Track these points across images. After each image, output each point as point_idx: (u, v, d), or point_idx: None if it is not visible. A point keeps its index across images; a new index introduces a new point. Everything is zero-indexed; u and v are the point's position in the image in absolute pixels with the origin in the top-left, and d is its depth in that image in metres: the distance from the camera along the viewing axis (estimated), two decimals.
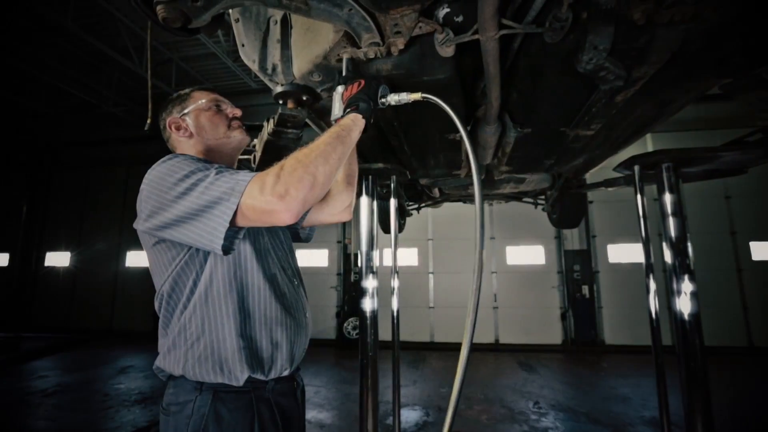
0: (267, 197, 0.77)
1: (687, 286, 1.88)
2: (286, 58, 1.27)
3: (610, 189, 2.60)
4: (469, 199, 3.98)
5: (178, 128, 1.03)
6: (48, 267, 10.60)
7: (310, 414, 4.13)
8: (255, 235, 0.99)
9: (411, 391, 4.92)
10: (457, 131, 1.87)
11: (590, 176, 3.13)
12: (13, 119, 10.54)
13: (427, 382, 5.40)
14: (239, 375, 0.88)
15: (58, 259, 10.59)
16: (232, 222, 0.79)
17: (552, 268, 8.05)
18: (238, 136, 1.07)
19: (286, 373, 0.97)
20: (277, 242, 1.07)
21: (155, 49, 7.16)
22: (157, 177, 0.86)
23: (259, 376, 0.90)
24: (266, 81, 1.34)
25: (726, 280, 7.37)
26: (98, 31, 6.36)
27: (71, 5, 5.76)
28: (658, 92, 1.45)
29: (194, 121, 1.03)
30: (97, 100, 8.59)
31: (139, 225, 0.89)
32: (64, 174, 11.00)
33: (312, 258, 8.92)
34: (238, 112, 1.09)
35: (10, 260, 10.82)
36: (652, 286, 2.07)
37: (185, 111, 1.04)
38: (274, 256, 1.02)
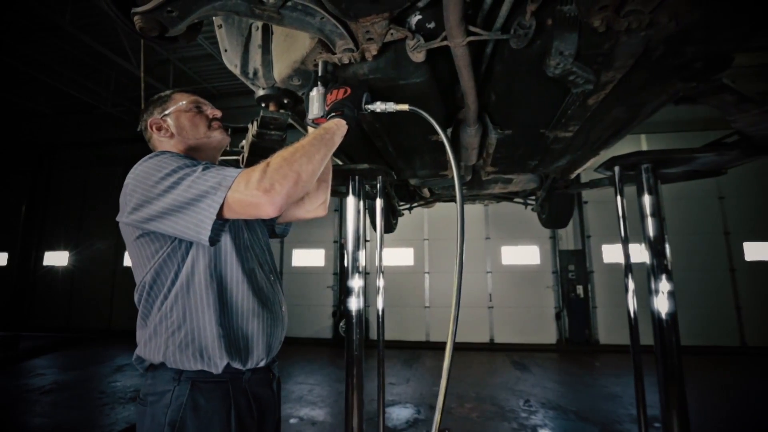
0: (252, 191, 0.82)
1: (664, 285, 1.94)
2: (267, 62, 1.32)
3: (605, 190, 2.65)
4: None
5: (159, 129, 1.07)
6: (47, 266, 10.65)
7: (303, 411, 4.18)
8: (236, 231, 1.03)
9: (404, 390, 4.97)
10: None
11: (587, 176, 3.16)
12: (12, 119, 10.60)
13: (420, 381, 5.45)
14: (218, 362, 0.92)
15: (56, 258, 10.63)
16: (219, 214, 0.84)
17: (547, 268, 8.10)
18: (218, 136, 1.12)
19: (262, 363, 1.01)
20: (256, 239, 1.11)
21: (153, 50, 7.21)
22: (143, 172, 0.90)
23: (237, 365, 0.94)
24: (249, 84, 1.39)
25: (719, 280, 7.42)
26: (96, 33, 6.41)
27: (69, 7, 5.82)
28: (628, 95, 1.50)
29: (175, 121, 1.07)
30: (95, 101, 8.64)
31: (123, 218, 0.92)
32: (63, 174, 11.05)
33: (309, 258, 8.97)
34: (218, 113, 1.14)
35: (9, 260, 10.87)
36: (631, 285, 2.12)
37: (166, 112, 1.08)
38: (253, 252, 1.07)
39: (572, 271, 7.87)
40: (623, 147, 2.51)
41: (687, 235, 7.64)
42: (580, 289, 7.73)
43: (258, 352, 0.99)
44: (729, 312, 7.30)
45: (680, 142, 7.79)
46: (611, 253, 7.91)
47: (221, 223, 0.87)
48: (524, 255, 8.22)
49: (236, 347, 0.95)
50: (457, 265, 0.93)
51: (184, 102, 1.09)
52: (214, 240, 0.86)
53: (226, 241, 0.99)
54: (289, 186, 0.84)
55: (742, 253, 7.48)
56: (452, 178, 2.74)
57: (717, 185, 7.58)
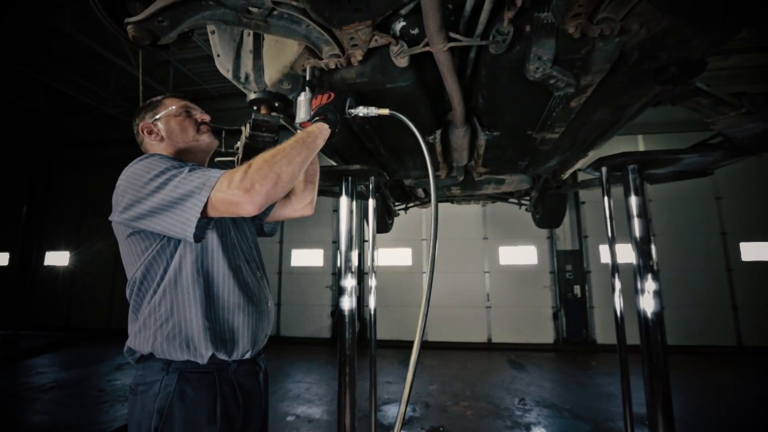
0: (234, 190, 0.87)
1: (650, 285, 1.99)
2: (258, 67, 1.36)
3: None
4: (456, 199, 4.08)
5: (150, 132, 1.13)
6: (47, 266, 10.71)
7: (300, 409, 4.22)
8: (223, 230, 1.08)
9: (401, 388, 5.01)
10: (430, 134, 1.97)
11: (586, 177, 3.19)
12: (13, 120, 10.67)
13: (417, 380, 5.48)
14: (204, 352, 0.96)
15: (57, 258, 10.69)
16: (204, 213, 0.89)
17: (544, 268, 8.13)
18: (206, 140, 1.17)
19: (248, 356, 1.05)
20: (243, 237, 1.16)
21: (153, 52, 7.26)
22: (134, 173, 0.94)
23: (222, 356, 0.99)
24: (241, 88, 1.44)
25: (716, 281, 7.45)
26: (96, 34, 6.47)
27: (69, 9, 5.87)
28: (610, 98, 1.54)
29: (165, 125, 1.12)
30: (95, 102, 8.71)
31: (115, 217, 0.97)
32: (63, 174, 11.11)
33: (308, 258, 9.01)
34: (207, 118, 1.19)
35: (10, 259, 10.93)
36: (617, 285, 2.17)
37: (157, 116, 1.13)
38: (239, 250, 1.11)
39: (570, 271, 7.91)
40: (620, 147, 2.53)
41: (684, 235, 7.67)
42: (577, 289, 7.77)
43: (243, 344, 1.03)
44: (725, 312, 7.33)
45: (678, 142, 7.82)
46: (608, 254, 7.95)
47: (206, 221, 0.92)
48: (522, 255, 8.26)
49: (222, 339, 0.99)
50: (429, 265, 0.98)
51: (173, 107, 1.14)
52: (198, 237, 0.91)
53: (212, 238, 1.03)
54: (269, 186, 0.89)
55: (738, 253, 7.51)
56: (445, 178, 2.79)
57: (714, 186, 7.62)
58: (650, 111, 2.03)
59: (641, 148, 7.94)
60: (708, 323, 7.27)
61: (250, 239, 1.19)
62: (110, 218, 0.99)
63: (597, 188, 2.87)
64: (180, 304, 0.97)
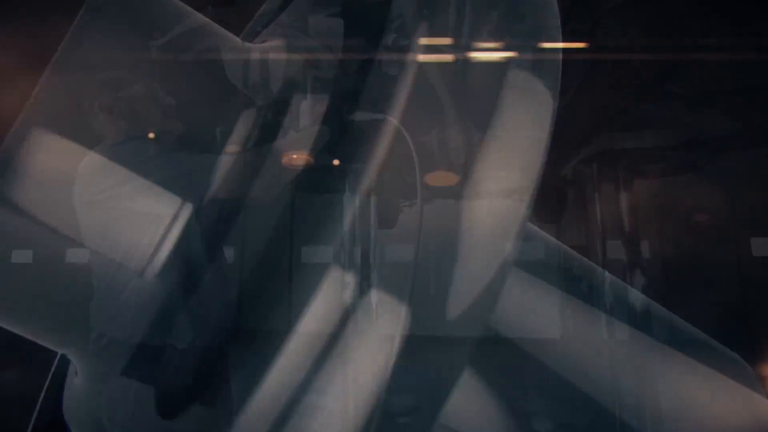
0: None
1: (639, 281, 2.07)
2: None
3: None
4: None
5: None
6: (68, 263, 11.13)
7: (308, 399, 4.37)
8: None
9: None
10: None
11: None
12: None
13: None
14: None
15: (78, 255, 11.11)
16: None
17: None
18: None
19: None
20: None
21: None
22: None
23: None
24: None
25: (725, 278, 7.38)
26: None
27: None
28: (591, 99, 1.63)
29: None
30: None
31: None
32: None
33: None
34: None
35: (34, 257, 11.38)
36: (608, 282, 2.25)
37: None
38: None
39: None
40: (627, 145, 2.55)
41: (692, 231, 7.61)
42: None
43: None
44: (735, 310, 7.26)
45: None
46: (614, 251, 7.94)
47: None
48: None
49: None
50: (413, 259, 1.05)
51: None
52: None
53: None
54: None
55: (749, 249, 7.42)
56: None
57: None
58: None
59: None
60: (717, 321, 7.21)
61: None
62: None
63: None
64: None
